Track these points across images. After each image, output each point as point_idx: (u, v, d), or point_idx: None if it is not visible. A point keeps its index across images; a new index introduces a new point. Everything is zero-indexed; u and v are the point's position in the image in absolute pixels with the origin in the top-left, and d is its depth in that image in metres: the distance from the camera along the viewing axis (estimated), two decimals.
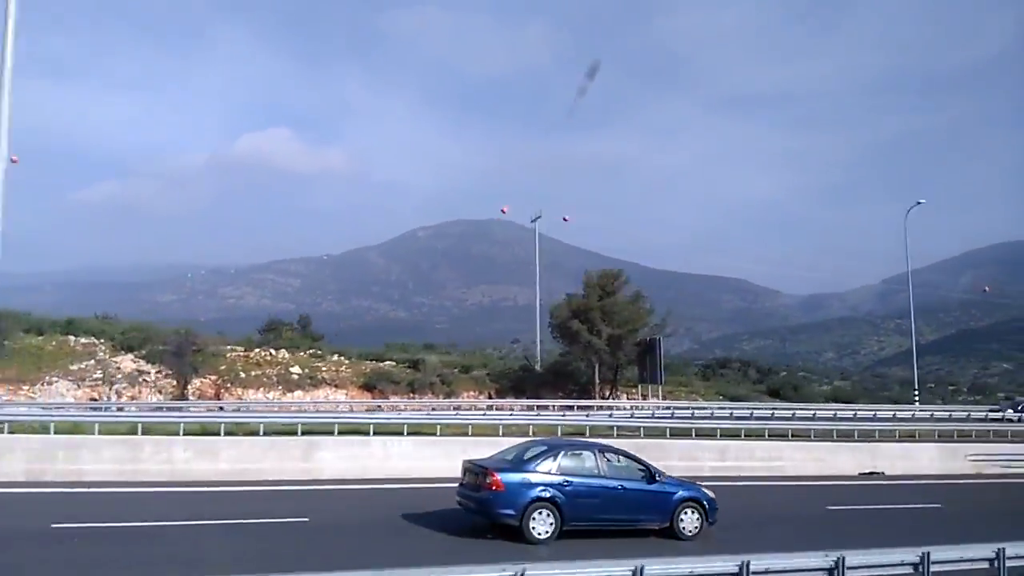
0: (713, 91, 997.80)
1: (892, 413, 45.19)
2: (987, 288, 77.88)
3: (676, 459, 21.35)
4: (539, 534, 12.31)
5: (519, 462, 13.02)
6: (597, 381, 53.22)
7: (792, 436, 37.98)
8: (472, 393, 53.12)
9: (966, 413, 47.57)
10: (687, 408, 49.40)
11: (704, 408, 50.44)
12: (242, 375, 48.72)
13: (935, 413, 45.97)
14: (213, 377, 48.13)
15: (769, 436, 37.57)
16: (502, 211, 72.91)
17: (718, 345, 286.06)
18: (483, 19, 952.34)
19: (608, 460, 13.41)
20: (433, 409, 44.10)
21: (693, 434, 38.56)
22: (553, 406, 48.04)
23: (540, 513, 12.33)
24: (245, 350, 51.71)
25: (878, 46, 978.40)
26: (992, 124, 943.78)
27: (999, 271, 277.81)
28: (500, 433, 31.68)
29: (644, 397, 56.85)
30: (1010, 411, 48.45)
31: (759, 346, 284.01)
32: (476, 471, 12.88)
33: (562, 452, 13.11)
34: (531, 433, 27.32)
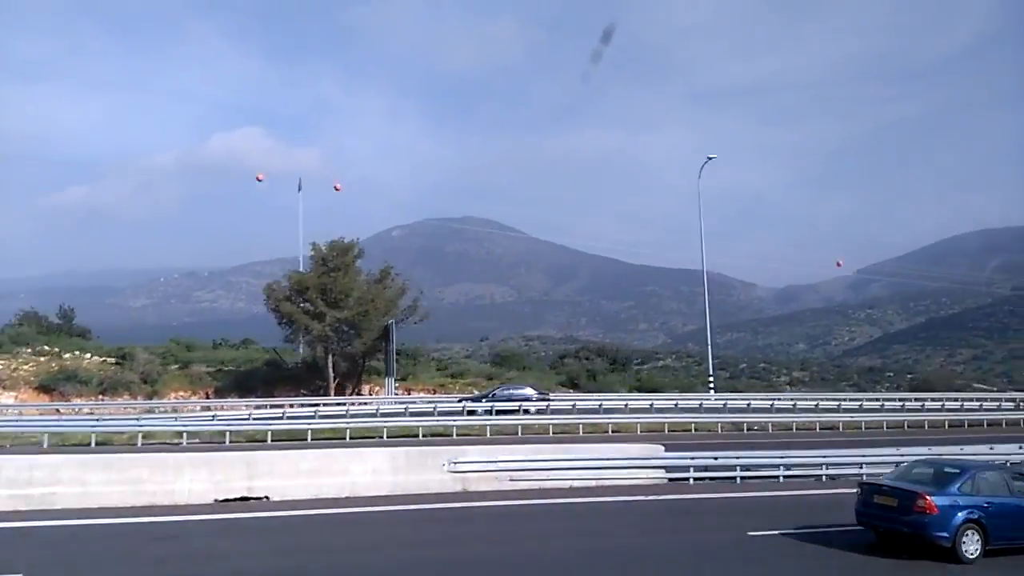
0: (691, 84, 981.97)
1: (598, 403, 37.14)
2: (839, 263, 69.62)
3: None
4: (969, 554, 12.60)
5: (932, 483, 13.33)
6: (331, 374, 45.08)
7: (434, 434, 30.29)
8: (184, 393, 45.39)
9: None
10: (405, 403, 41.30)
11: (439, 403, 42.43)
12: None
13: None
14: None
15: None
16: (258, 179, 58.26)
17: (692, 339, 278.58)
18: (453, 14, 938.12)
19: (1015, 479, 13.79)
20: (88, 412, 36.50)
21: (385, 435, 31.09)
22: (288, 404, 40.43)
23: (969, 534, 12.68)
24: None
25: (854, 35, 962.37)
26: (968, 113, 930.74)
27: (974, 259, 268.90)
28: None
29: (408, 391, 49.14)
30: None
31: (732, 339, 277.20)
32: (898, 494, 13.10)
33: (976, 473, 13.53)
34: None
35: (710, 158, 45.98)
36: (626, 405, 38.45)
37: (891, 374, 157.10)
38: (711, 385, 47.11)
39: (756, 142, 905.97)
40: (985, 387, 69.81)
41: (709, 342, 49.26)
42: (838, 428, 34.98)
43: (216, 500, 15.75)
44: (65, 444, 28.36)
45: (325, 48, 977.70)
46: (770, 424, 34.43)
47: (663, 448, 19.75)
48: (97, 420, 29.89)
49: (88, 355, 49.24)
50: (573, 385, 52.15)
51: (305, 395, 45.23)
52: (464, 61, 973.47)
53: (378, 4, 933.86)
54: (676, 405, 38.46)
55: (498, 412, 35.08)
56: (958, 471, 13.52)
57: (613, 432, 31.61)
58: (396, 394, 44.61)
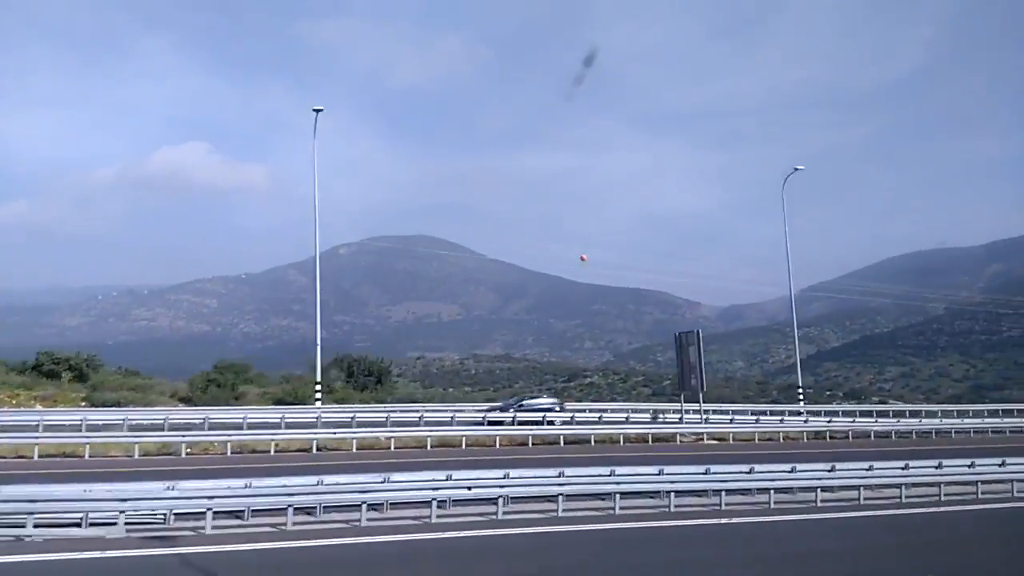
0: (640, 108, 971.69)
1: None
2: (583, 257, 61.21)
3: None
4: None
5: None
6: None
7: None
8: None
9: None
10: None
11: None
12: None
13: None
14: None
15: None
16: None
17: (634, 356, 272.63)
18: (402, 30, 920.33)
19: None
20: None
21: None
22: None
23: None
24: None
25: (798, 63, 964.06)
26: (906, 138, 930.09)
27: (912, 278, 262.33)
28: None
29: None
30: None
31: (672, 357, 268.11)
32: None
33: None
34: None
35: None
36: None
37: (810, 390, 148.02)
38: (318, 398, 36.70)
39: (702, 165, 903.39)
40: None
41: (318, 357, 38.15)
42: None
43: None
44: None
45: (276, 64, 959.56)
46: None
47: None
48: None
49: None
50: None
51: None
52: (416, 79, 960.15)
53: (331, 20, 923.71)
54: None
55: None
56: None
57: None
58: None
